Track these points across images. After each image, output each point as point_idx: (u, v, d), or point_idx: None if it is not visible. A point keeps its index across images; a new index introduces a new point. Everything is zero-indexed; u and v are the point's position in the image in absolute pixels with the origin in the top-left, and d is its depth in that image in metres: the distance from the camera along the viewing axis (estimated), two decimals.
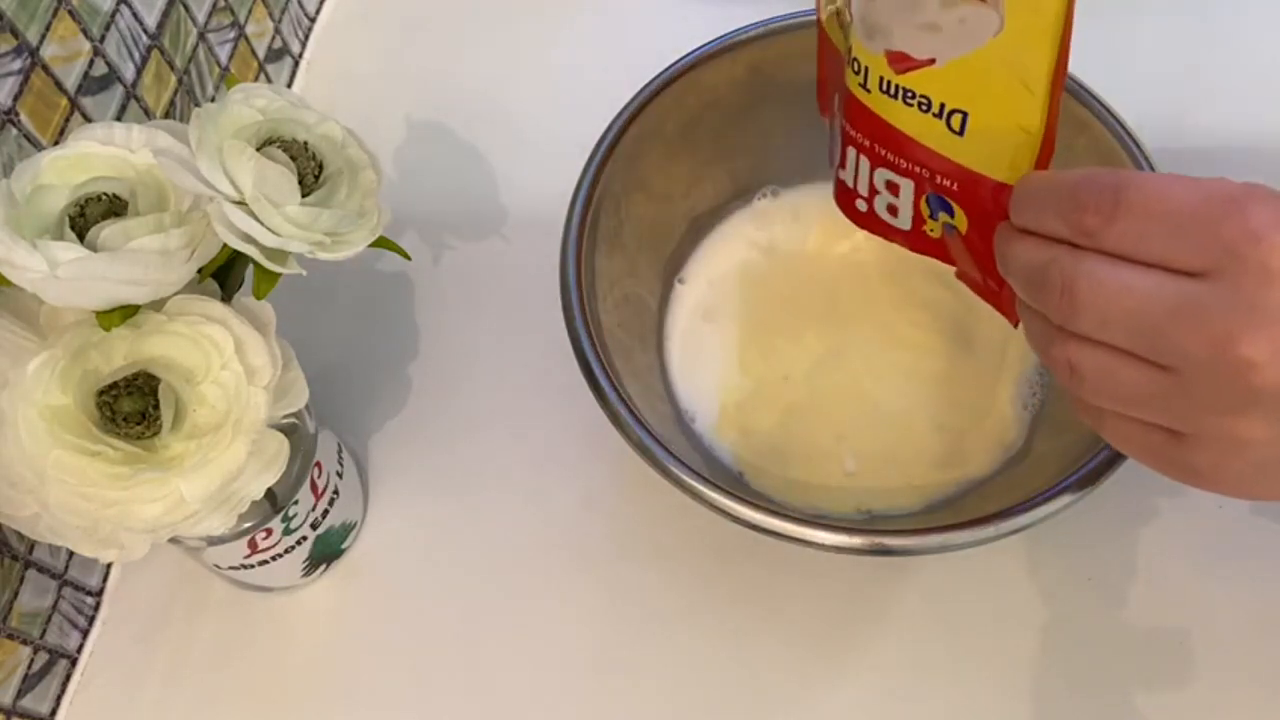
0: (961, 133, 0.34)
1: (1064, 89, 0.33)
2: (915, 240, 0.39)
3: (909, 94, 0.35)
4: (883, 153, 0.37)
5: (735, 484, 0.46)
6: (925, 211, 0.37)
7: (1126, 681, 0.44)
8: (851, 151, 0.39)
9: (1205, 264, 0.28)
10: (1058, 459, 0.41)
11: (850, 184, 0.40)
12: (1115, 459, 0.38)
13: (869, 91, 0.37)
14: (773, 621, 0.46)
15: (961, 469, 0.46)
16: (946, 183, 0.36)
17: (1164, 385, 0.29)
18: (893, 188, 0.38)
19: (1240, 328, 0.27)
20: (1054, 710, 0.44)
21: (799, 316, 0.50)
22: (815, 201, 0.52)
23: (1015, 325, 0.36)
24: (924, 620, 0.46)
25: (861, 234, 0.48)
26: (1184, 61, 0.59)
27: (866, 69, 0.36)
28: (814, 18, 0.48)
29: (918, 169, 0.36)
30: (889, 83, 0.35)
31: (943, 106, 0.34)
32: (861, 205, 0.40)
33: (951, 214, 0.36)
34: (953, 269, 0.39)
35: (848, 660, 0.45)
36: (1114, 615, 0.45)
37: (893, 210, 0.39)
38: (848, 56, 0.38)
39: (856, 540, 0.38)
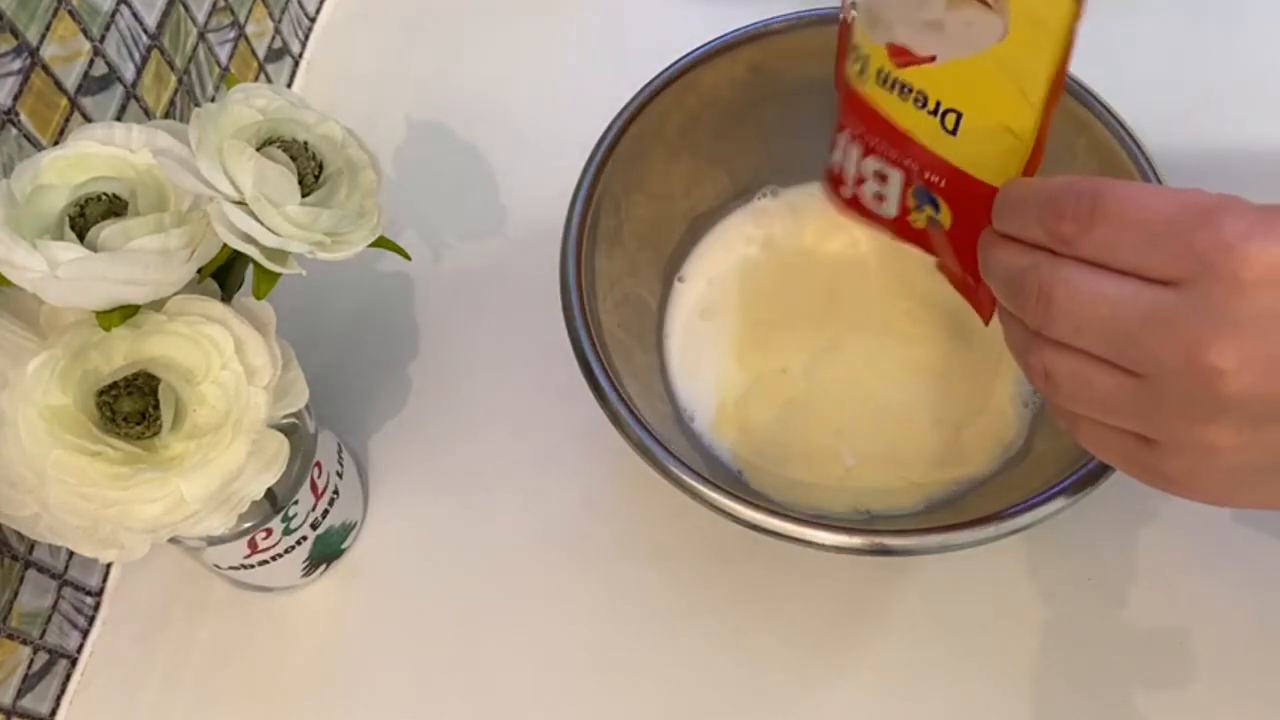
0: (954, 132, 0.35)
1: (1060, 100, 0.33)
2: (899, 228, 0.39)
3: (906, 88, 0.35)
4: (874, 143, 0.38)
5: (735, 483, 0.46)
6: (911, 203, 0.38)
7: (1126, 681, 0.44)
8: (843, 137, 0.39)
9: (1178, 273, 0.28)
10: (1058, 459, 0.41)
11: (839, 169, 0.40)
12: None
13: (866, 82, 0.37)
14: (773, 621, 0.46)
15: (961, 468, 0.46)
16: (935, 179, 0.36)
17: (1136, 392, 0.29)
18: (881, 177, 0.38)
19: (1210, 336, 0.27)
20: (1054, 710, 0.44)
21: (797, 311, 0.50)
22: (814, 199, 0.52)
23: (987, 323, 0.37)
24: (924, 620, 0.46)
25: (860, 229, 0.48)
26: (1184, 61, 0.59)
27: (866, 58, 0.36)
28: (814, 16, 0.48)
29: (907, 162, 0.37)
30: (887, 75, 0.36)
31: (938, 104, 0.35)
32: (848, 191, 0.40)
33: (937, 209, 0.37)
34: (936, 260, 0.39)
35: (848, 660, 0.45)
36: (1114, 615, 0.45)
37: (879, 198, 0.39)
38: (851, 43, 0.38)
39: (856, 540, 0.38)
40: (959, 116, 0.34)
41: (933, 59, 0.34)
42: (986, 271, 0.34)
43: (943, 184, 0.36)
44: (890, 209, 0.39)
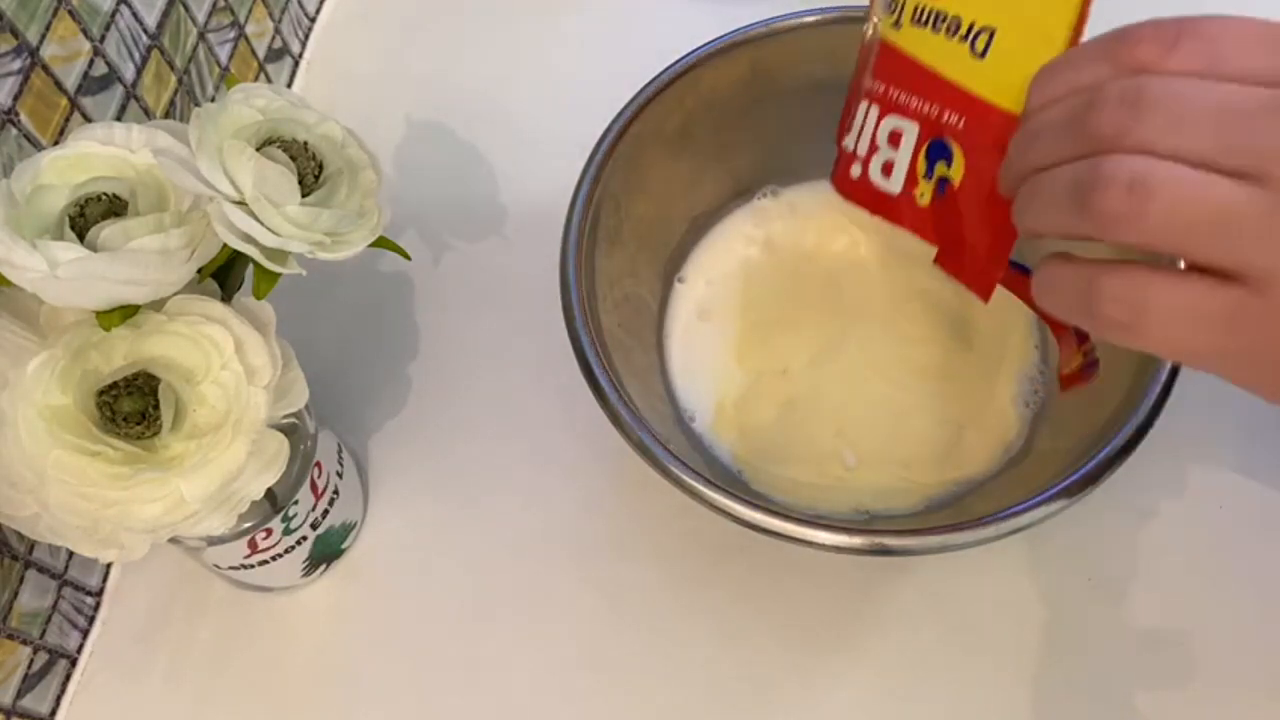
0: (984, 55, 0.34)
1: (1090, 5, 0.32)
2: (901, 209, 0.38)
3: (940, 17, 0.35)
4: (895, 95, 0.38)
5: (735, 484, 0.46)
6: (921, 168, 0.37)
7: (1126, 681, 0.44)
8: (863, 106, 0.39)
9: None
10: (1058, 459, 0.41)
11: (851, 147, 0.40)
12: (1115, 459, 0.38)
13: (900, 29, 0.37)
14: (772, 621, 0.46)
15: (962, 468, 0.46)
16: (954, 119, 0.35)
17: (1254, 196, 0.23)
18: (895, 138, 0.38)
19: None
20: (1054, 710, 0.44)
21: (798, 311, 0.50)
22: (814, 198, 0.52)
23: (986, 300, 0.35)
24: (924, 620, 0.46)
25: (861, 229, 0.48)
26: None
27: (903, 4, 0.37)
28: (814, 16, 0.48)
29: (928, 106, 0.36)
30: (922, 9, 0.36)
31: (971, 26, 0.34)
32: (856, 170, 0.40)
33: (950, 161, 0.36)
34: (935, 253, 0.39)
35: (847, 660, 0.45)
36: (1114, 615, 0.45)
37: (887, 169, 0.38)
38: (887, 3, 0.38)
39: (856, 540, 0.38)
40: (990, 35, 0.34)
41: None
42: (1029, 133, 0.28)
43: (961, 124, 0.35)
44: (896, 183, 0.38)
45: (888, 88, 0.38)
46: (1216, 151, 0.23)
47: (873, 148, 0.39)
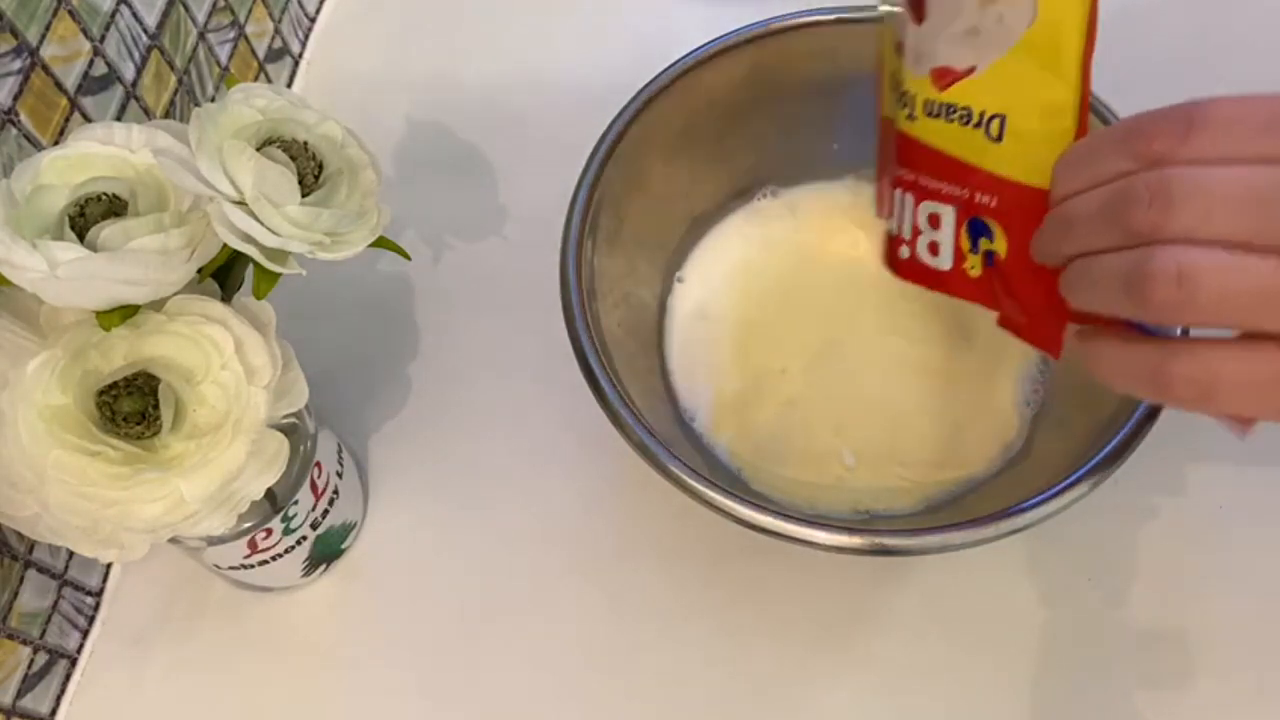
0: (1000, 138, 0.35)
1: (1091, 67, 0.33)
2: (956, 282, 0.39)
3: (950, 109, 0.36)
4: (926, 183, 0.38)
5: (735, 483, 0.46)
6: (965, 245, 0.38)
7: (1126, 681, 0.44)
8: (899, 194, 0.40)
9: None
10: (1058, 459, 0.41)
11: (896, 230, 0.41)
12: (1115, 458, 0.38)
13: (915, 120, 0.38)
14: (772, 621, 0.46)
15: (962, 468, 0.46)
16: (986, 199, 0.36)
17: None
18: (934, 221, 0.38)
19: None
20: (1054, 710, 0.44)
21: (797, 311, 0.50)
22: (814, 199, 0.52)
23: (1058, 358, 0.36)
24: (924, 620, 0.46)
25: (861, 229, 0.48)
26: (1188, 64, 0.59)
27: (913, 98, 0.38)
28: (814, 16, 0.48)
29: (959, 191, 0.37)
30: (933, 103, 0.37)
31: (982, 115, 0.35)
32: (905, 252, 0.40)
33: (991, 237, 0.37)
34: (1000, 319, 0.39)
35: (847, 660, 0.45)
36: (1114, 615, 0.45)
37: (934, 249, 0.39)
38: (897, 96, 0.39)
39: (856, 540, 0.38)
40: (1002, 121, 0.35)
41: (972, 69, 0.35)
42: (1063, 223, 0.31)
43: (994, 204, 0.36)
44: (945, 260, 0.39)
45: (917, 176, 0.39)
46: (1249, 234, 0.26)
47: (915, 231, 0.39)
